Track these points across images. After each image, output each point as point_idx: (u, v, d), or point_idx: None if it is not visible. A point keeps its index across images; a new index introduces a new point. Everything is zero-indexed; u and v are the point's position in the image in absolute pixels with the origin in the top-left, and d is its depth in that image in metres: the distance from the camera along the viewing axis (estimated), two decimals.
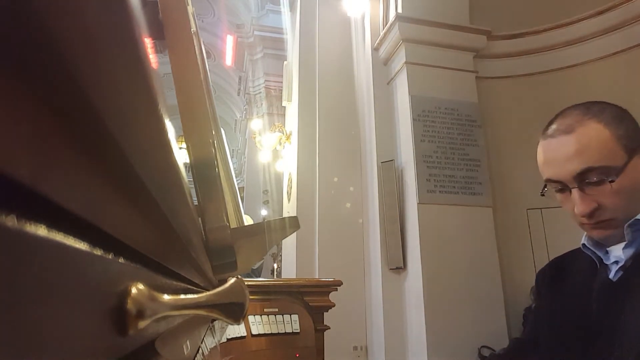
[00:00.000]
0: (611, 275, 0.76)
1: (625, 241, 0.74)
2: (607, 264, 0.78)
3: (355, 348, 3.85)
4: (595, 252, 0.80)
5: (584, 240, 0.83)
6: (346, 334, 3.66)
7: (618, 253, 0.76)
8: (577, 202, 0.76)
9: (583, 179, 0.75)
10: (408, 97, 3.63)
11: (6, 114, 0.10)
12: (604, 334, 0.73)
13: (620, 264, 0.75)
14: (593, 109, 0.78)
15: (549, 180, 0.81)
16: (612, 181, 0.72)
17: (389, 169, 3.67)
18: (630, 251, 0.73)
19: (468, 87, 3.79)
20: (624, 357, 0.67)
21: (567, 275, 0.89)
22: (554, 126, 0.81)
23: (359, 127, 4.39)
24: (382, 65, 4.11)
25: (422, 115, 3.60)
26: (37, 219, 0.12)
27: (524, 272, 3.54)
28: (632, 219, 0.73)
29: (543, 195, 0.84)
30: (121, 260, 0.20)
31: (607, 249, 0.79)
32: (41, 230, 0.12)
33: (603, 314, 0.75)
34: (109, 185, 0.17)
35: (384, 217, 3.64)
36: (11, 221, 0.11)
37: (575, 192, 0.76)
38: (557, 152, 0.78)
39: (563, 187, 0.79)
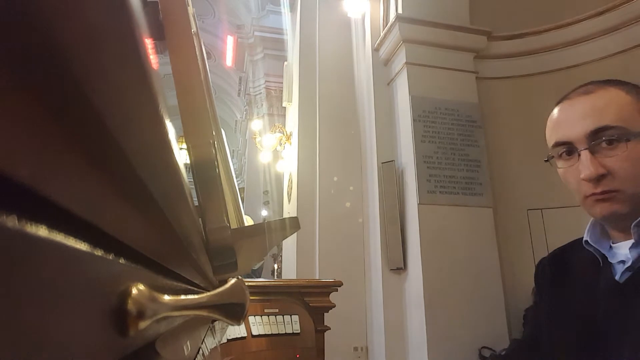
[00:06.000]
0: (617, 276, 0.73)
1: (630, 237, 0.71)
2: (611, 263, 0.75)
3: (355, 349, 3.84)
4: (598, 250, 0.77)
5: (586, 236, 0.79)
6: (346, 335, 3.65)
7: (624, 251, 0.73)
8: (584, 165, 0.71)
9: (596, 139, 0.70)
10: (408, 98, 3.63)
11: (7, 115, 0.10)
12: (612, 337, 0.70)
13: (627, 264, 0.71)
14: (615, 80, 0.76)
15: (556, 144, 0.76)
16: (628, 140, 0.67)
17: (389, 170, 3.67)
18: (637, 251, 0.70)
19: (468, 87, 3.79)
20: None
21: (568, 271, 0.85)
22: (569, 94, 0.77)
23: (359, 128, 4.39)
24: (382, 66, 4.11)
25: (423, 116, 3.60)
26: (38, 219, 0.12)
27: (525, 272, 3.54)
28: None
29: (547, 161, 0.79)
30: (122, 260, 0.20)
31: (612, 245, 0.76)
32: (42, 231, 0.12)
33: (610, 316, 0.72)
34: (110, 186, 0.17)
35: (384, 217, 3.63)
36: (12, 222, 0.11)
37: (584, 154, 0.71)
38: (572, 111, 0.74)
39: (570, 150, 0.74)
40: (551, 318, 0.85)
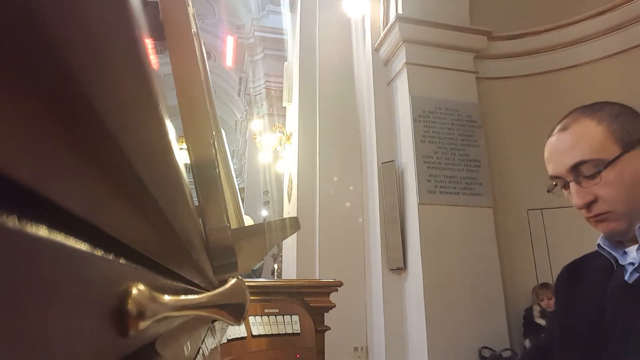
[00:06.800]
0: (626, 277, 0.75)
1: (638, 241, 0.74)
2: (623, 265, 0.78)
3: (355, 349, 3.84)
4: (610, 253, 0.80)
5: (599, 240, 0.83)
6: (347, 335, 3.65)
7: (634, 254, 0.76)
8: (573, 195, 0.79)
9: (577, 172, 0.79)
10: (408, 98, 3.63)
11: (8, 115, 0.10)
12: (617, 336, 0.72)
13: (635, 265, 0.74)
14: (593, 107, 0.83)
15: (552, 177, 0.85)
16: (600, 171, 0.76)
17: (390, 170, 3.67)
18: None
19: (468, 87, 3.79)
20: None
21: (583, 277, 0.89)
22: (556, 127, 0.87)
23: (359, 128, 4.40)
24: (382, 66, 4.11)
25: (423, 116, 3.60)
26: (38, 219, 0.12)
27: (525, 272, 3.54)
28: None
29: (549, 192, 0.88)
30: (122, 261, 0.20)
31: (625, 249, 0.79)
32: (42, 231, 0.12)
33: (617, 315, 0.74)
34: (110, 186, 0.17)
35: (385, 217, 3.63)
36: (12, 222, 0.11)
37: (572, 186, 0.80)
38: (555, 148, 0.84)
39: (564, 183, 0.83)
40: (564, 318, 0.88)
